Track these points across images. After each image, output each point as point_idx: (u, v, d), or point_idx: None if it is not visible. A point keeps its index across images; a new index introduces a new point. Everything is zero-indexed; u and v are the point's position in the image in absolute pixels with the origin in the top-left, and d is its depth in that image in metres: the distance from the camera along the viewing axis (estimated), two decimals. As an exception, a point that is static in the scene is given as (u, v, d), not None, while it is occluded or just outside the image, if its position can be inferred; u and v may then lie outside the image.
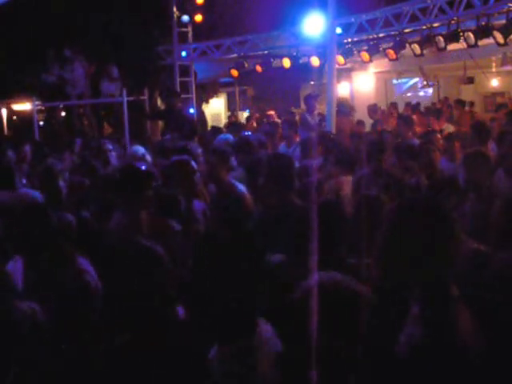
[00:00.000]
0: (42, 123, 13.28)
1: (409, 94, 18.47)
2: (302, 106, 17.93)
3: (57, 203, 4.62)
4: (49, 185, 5.17)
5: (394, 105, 14.86)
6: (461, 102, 14.26)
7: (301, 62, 12.81)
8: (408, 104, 16.02)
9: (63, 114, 12.95)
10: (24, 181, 5.89)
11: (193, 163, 4.76)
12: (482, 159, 4.40)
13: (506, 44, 9.92)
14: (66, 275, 3.05)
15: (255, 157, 5.37)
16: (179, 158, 4.89)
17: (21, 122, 14.20)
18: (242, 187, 4.82)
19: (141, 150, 6.94)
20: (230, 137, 7.70)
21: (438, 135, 7.25)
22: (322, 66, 12.05)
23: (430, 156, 5.60)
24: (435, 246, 1.93)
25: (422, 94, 18.42)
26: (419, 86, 18.13)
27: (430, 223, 1.97)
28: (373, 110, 13.02)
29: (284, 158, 4.29)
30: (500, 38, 9.77)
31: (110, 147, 7.41)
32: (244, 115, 19.34)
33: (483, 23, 10.04)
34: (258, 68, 13.48)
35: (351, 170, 5.43)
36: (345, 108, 10.82)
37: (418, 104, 16.34)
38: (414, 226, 1.99)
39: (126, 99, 11.36)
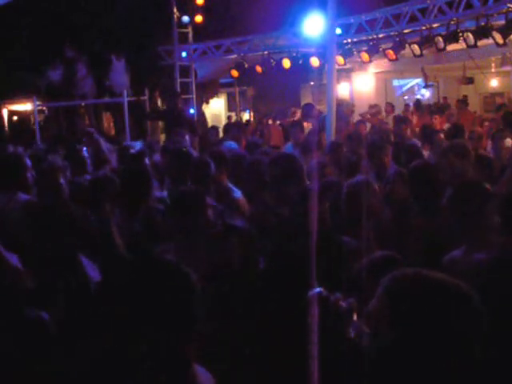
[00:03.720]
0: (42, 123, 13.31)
1: (406, 97, 18.52)
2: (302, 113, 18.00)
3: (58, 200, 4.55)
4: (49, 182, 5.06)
5: (389, 104, 14.92)
6: (463, 102, 14.34)
7: (301, 62, 12.84)
8: (407, 105, 16.09)
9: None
10: None
11: None
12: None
13: (505, 44, 9.95)
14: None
15: (255, 158, 5.27)
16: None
17: (21, 123, 14.23)
18: (238, 192, 4.72)
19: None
20: (234, 145, 7.68)
21: (441, 134, 7.26)
22: (321, 66, 12.07)
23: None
24: None
25: (421, 95, 18.47)
26: (419, 87, 18.20)
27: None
28: (375, 113, 13.10)
29: (292, 157, 4.24)
30: (499, 39, 9.79)
31: (86, 154, 7.19)
32: (245, 116, 19.39)
33: (482, 24, 10.06)
34: (258, 68, 13.49)
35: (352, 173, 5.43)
36: (342, 112, 10.80)
37: (419, 101, 16.39)
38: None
39: (126, 99, 11.38)
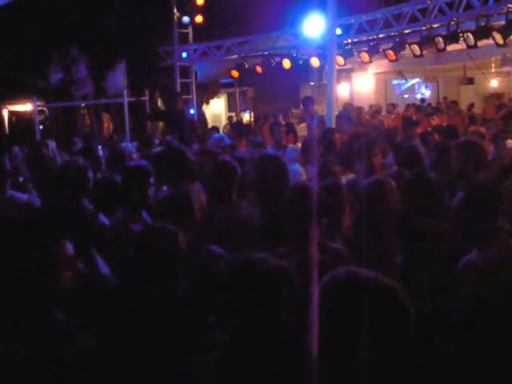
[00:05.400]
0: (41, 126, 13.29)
1: (407, 96, 18.53)
2: (302, 106, 18.01)
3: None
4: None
5: (392, 105, 14.97)
6: (455, 103, 14.43)
7: (301, 62, 12.85)
8: (408, 105, 16.10)
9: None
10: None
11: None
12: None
13: (505, 45, 9.96)
14: None
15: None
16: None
17: (21, 123, 14.22)
18: None
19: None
20: (225, 137, 7.68)
21: (436, 135, 7.27)
22: (321, 66, 12.08)
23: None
24: None
25: (422, 93, 18.49)
26: (419, 86, 18.23)
27: None
28: (375, 112, 13.11)
29: (276, 159, 4.25)
30: (499, 39, 9.80)
31: (101, 153, 7.18)
32: (245, 116, 19.39)
33: (483, 24, 10.07)
34: (258, 69, 13.50)
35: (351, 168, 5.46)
36: (347, 113, 10.79)
37: (423, 100, 16.39)
38: None
39: (126, 100, 11.40)
